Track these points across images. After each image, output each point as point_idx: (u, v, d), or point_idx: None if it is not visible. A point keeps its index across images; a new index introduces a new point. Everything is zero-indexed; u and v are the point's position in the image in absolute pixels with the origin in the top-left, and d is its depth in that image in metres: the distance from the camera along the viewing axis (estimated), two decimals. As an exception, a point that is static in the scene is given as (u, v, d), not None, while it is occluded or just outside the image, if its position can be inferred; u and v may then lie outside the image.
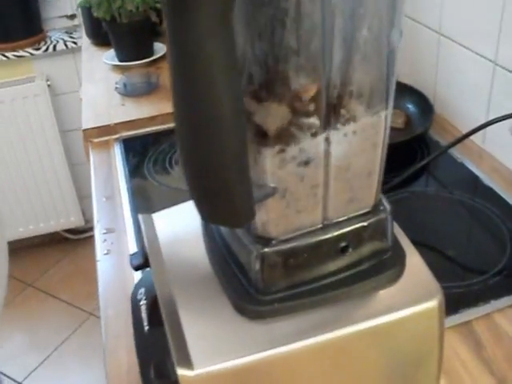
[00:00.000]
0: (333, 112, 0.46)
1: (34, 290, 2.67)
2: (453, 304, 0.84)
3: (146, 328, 0.65)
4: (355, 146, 0.49)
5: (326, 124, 0.46)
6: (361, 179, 0.53)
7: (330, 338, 0.55)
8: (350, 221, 0.55)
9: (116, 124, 1.48)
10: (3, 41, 2.42)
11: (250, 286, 0.55)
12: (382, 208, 0.57)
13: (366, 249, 0.57)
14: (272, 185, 0.48)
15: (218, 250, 0.60)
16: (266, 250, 0.52)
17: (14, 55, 2.42)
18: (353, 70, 0.44)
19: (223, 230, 0.59)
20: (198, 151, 0.40)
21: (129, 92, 1.63)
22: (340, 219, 0.55)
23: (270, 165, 0.47)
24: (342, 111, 0.46)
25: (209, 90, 0.36)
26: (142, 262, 0.68)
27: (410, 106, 1.40)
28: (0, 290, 0.80)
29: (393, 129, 1.32)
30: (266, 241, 0.53)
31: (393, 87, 0.50)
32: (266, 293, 0.54)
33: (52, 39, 2.49)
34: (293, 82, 0.42)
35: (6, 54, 2.41)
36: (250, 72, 0.42)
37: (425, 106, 1.36)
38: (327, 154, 0.48)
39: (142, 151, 1.39)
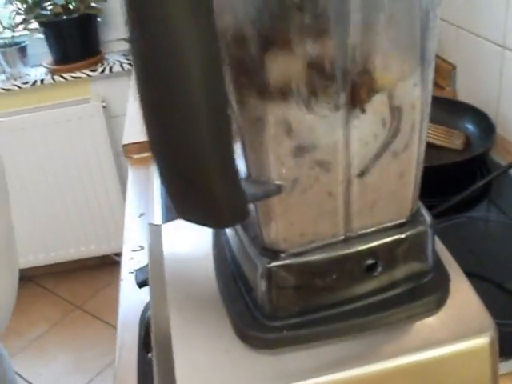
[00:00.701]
0: (353, 88, 0.36)
1: (83, 312, 2.63)
2: (508, 345, 0.72)
3: (150, 354, 0.57)
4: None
5: (345, 102, 0.36)
6: (391, 179, 0.43)
7: (353, 377, 0.45)
8: (378, 233, 0.45)
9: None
10: (62, 62, 2.43)
11: (256, 308, 0.46)
12: (420, 219, 0.47)
13: (400, 269, 0.46)
14: (277, 181, 0.39)
15: (226, 265, 0.51)
16: (274, 264, 0.43)
17: (72, 76, 2.42)
18: (376, 36, 0.35)
19: (232, 240, 0.50)
20: (166, 127, 0.31)
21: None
22: (366, 231, 0.45)
23: (273, 150, 0.38)
24: (365, 87, 0.36)
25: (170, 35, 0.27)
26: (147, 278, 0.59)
27: (470, 127, 1.28)
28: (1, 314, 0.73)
29: (451, 150, 1.21)
30: (273, 254, 0.44)
31: (430, 60, 0.40)
32: (274, 318, 0.44)
33: (109, 61, 2.49)
34: (296, 46, 0.33)
35: (64, 75, 2.41)
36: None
37: (486, 125, 1.23)
38: (347, 140, 0.39)
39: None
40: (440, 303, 0.47)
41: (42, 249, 2.57)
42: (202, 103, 0.30)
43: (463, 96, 1.30)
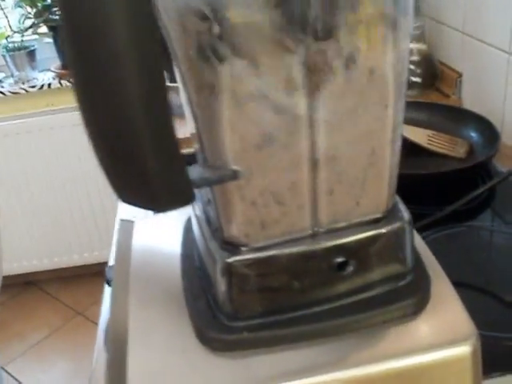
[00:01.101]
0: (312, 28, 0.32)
1: (84, 318, 2.61)
2: (505, 360, 0.68)
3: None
4: (351, 99, 0.36)
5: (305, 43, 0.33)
6: (363, 162, 0.39)
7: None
8: (350, 229, 0.42)
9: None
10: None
11: (216, 307, 0.42)
12: (397, 215, 0.43)
13: (375, 269, 0.43)
14: (233, 166, 0.36)
15: (192, 261, 0.47)
16: (234, 259, 0.40)
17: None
18: None
19: (196, 234, 0.47)
20: (93, 93, 0.28)
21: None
22: (336, 225, 0.41)
23: (227, 128, 0.35)
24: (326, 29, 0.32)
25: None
26: (117, 277, 0.56)
27: (474, 135, 1.24)
28: None
29: (453, 159, 1.18)
30: (234, 248, 0.40)
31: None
32: (235, 318, 0.41)
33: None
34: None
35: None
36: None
37: (490, 134, 1.19)
38: (311, 118, 0.35)
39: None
40: (419, 308, 0.44)
41: (46, 254, 2.55)
42: (130, 57, 0.27)
43: (469, 104, 1.26)
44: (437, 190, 1.04)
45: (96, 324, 2.51)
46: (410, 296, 0.44)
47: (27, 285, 2.73)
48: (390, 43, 0.35)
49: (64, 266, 2.62)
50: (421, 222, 0.89)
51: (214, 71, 0.32)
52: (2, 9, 2.23)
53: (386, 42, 0.34)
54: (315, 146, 0.37)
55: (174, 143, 0.31)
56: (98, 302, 2.80)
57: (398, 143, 0.41)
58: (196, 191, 0.36)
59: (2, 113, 2.28)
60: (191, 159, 1.22)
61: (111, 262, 0.98)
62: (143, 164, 0.31)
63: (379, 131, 0.38)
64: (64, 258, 2.54)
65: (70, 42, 0.27)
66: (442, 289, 0.46)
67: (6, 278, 2.48)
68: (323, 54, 0.33)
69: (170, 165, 0.32)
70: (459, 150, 1.18)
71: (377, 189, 0.41)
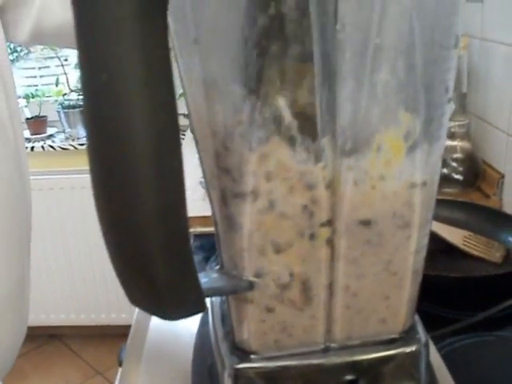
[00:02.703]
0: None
1: (103, 379, 2.58)
2: None
3: None
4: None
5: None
6: (381, 291, 0.39)
7: None
8: (363, 347, 0.41)
9: (192, 218, 1.41)
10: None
11: (221, 412, 0.41)
12: (414, 337, 0.42)
13: (386, 390, 0.42)
14: (250, 278, 0.36)
15: (203, 357, 0.47)
16: (243, 366, 0.39)
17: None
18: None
19: (211, 329, 0.46)
20: (109, 203, 0.29)
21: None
22: (350, 343, 0.41)
23: (247, 246, 0.35)
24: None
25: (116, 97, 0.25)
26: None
27: (512, 240, 1.21)
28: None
29: (488, 263, 1.15)
30: (244, 354, 0.40)
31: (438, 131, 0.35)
32: (239, 424, 0.40)
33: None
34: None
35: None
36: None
37: (530, 240, 1.17)
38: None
39: (209, 248, 1.29)
40: (429, 434, 0.42)
41: (73, 309, 2.56)
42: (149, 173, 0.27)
43: (509, 207, 1.24)
44: (468, 295, 1.01)
45: (114, 386, 2.42)
46: (422, 423, 0.42)
47: (51, 338, 2.73)
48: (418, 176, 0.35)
49: (90, 324, 2.61)
50: (449, 328, 0.87)
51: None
52: (63, 66, 2.33)
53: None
54: (334, 267, 0.37)
55: (187, 255, 0.31)
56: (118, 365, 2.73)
57: (420, 265, 0.40)
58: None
59: (50, 166, 2.34)
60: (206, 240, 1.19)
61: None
62: (153, 274, 0.31)
63: (405, 248, 0.38)
64: (92, 315, 2.55)
65: (91, 150, 0.28)
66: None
67: (31, 328, 2.47)
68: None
69: (182, 276, 0.32)
70: (495, 254, 1.15)
71: (394, 310, 0.40)
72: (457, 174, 1.38)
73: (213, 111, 0.33)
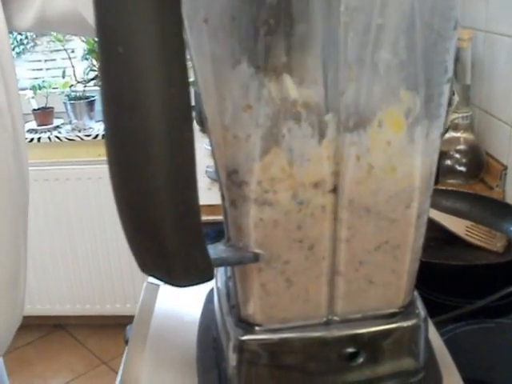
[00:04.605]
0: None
1: (108, 368, 2.60)
2: None
3: None
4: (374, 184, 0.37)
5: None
6: (385, 257, 0.40)
7: None
8: (364, 320, 0.42)
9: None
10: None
11: (225, 382, 0.43)
12: (414, 311, 0.43)
13: (386, 363, 0.43)
14: (255, 249, 0.37)
15: (208, 333, 0.48)
16: (248, 337, 0.41)
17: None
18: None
19: (216, 307, 0.48)
20: (122, 162, 0.30)
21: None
22: (351, 316, 0.42)
23: (253, 216, 0.36)
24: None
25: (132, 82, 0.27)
26: (137, 337, 0.57)
27: (514, 230, 1.22)
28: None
29: (490, 252, 1.16)
30: (249, 326, 0.41)
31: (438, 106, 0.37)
32: (243, 396, 0.42)
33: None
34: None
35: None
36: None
37: (530, 230, 1.18)
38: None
39: (215, 236, 1.31)
40: (428, 408, 0.44)
41: (79, 299, 2.57)
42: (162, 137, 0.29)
43: (509, 197, 1.26)
44: (470, 283, 1.03)
45: (118, 375, 2.44)
46: (420, 395, 0.43)
47: (56, 327, 2.75)
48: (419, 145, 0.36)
49: (95, 314, 2.63)
50: (450, 314, 0.88)
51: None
52: (70, 58, 2.34)
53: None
54: (337, 238, 0.38)
55: (196, 221, 0.33)
56: (124, 353, 2.77)
57: (420, 242, 0.41)
58: (220, 265, 0.38)
59: (56, 157, 2.36)
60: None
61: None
62: (164, 241, 0.33)
63: (402, 232, 0.39)
64: (96, 305, 2.56)
65: (107, 120, 0.29)
66: (455, 389, 0.46)
67: (36, 318, 2.51)
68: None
69: (191, 244, 0.34)
70: (496, 244, 1.16)
71: (395, 284, 0.42)
72: (460, 165, 1.39)
73: (221, 88, 0.34)
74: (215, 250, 0.37)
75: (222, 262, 0.37)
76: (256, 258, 0.37)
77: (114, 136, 0.30)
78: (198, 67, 0.35)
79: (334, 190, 0.36)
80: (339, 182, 0.36)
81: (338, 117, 0.34)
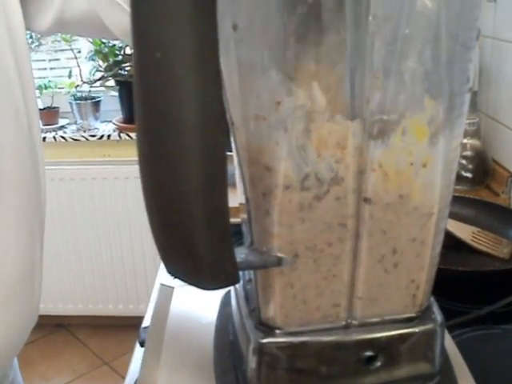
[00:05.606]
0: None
1: (109, 369, 2.60)
2: None
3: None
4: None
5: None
6: (405, 261, 0.41)
7: None
8: (382, 324, 0.43)
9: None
10: (130, 122, 2.51)
11: (244, 385, 0.43)
12: (431, 316, 0.44)
13: (402, 367, 0.44)
14: (278, 254, 0.38)
15: (225, 336, 0.49)
16: (268, 340, 0.41)
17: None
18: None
19: (233, 310, 0.48)
20: (156, 168, 0.31)
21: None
22: (370, 320, 0.43)
23: (278, 222, 0.37)
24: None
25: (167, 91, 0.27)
26: (151, 338, 0.58)
27: (521, 237, 1.22)
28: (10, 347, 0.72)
29: (496, 258, 1.16)
30: (269, 329, 0.42)
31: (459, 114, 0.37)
32: (262, 397, 0.42)
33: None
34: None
35: (131, 134, 2.48)
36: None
37: (536, 238, 1.18)
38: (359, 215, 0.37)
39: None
40: (443, 412, 0.44)
41: (82, 299, 2.57)
42: (195, 144, 0.29)
43: (516, 204, 1.26)
44: (476, 289, 1.03)
45: (120, 376, 2.52)
46: (436, 398, 0.44)
47: (58, 327, 2.75)
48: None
49: (97, 314, 2.63)
50: (456, 320, 0.88)
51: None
52: (76, 58, 2.35)
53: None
54: (358, 245, 0.39)
55: (226, 225, 0.33)
56: (125, 354, 2.81)
57: (438, 248, 0.42)
58: (238, 269, 0.38)
59: (61, 157, 2.36)
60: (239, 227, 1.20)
61: (145, 323, 1.00)
62: (194, 244, 0.33)
63: (420, 238, 0.40)
64: (99, 306, 2.56)
65: (142, 124, 0.30)
66: (469, 395, 0.46)
67: (39, 317, 2.50)
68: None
69: (220, 246, 0.34)
70: (503, 250, 1.17)
71: (413, 289, 0.42)
72: (466, 171, 1.39)
73: (247, 95, 0.35)
74: (239, 254, 0.38)
75: (247, 266, 0.38)
76: (279, 262, 0.38)
77: (148, 139, 0.30)
78: (224, 73, 0.36)
79: (357, 193, 0.37)
80: (362, 186, 0.37)
81: (363, 124, 0.34)
